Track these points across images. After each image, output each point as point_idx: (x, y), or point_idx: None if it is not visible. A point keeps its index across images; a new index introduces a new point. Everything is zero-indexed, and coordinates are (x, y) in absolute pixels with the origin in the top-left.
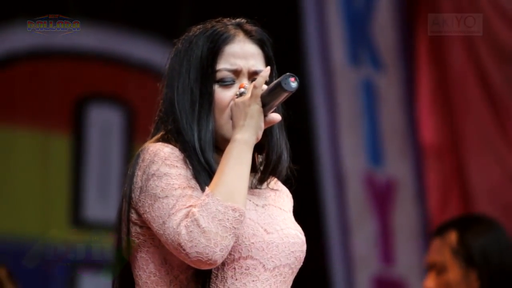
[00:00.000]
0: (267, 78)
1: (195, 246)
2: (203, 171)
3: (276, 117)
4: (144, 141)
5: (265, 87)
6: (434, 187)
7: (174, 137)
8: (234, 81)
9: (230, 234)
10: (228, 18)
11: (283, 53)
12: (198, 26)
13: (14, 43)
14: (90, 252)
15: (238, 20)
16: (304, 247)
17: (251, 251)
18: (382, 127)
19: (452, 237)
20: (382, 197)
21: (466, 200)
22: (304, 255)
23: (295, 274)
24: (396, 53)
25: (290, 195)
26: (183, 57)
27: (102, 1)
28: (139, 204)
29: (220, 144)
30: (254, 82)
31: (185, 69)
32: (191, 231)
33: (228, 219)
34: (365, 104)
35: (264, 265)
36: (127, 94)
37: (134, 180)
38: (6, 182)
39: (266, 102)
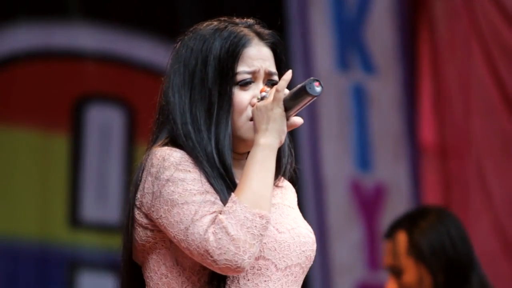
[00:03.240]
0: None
1: (224, 253)
2: (218, 177)
3: (298, 120)
4: (144, 142)
5: (287, 91)
6: (433, 190)
7: (182, 141)
8: (252, 82)
9: (257, 241)
10: (236, 18)
11: None
12: (207, 24)
13: (14, 43)
14: (88, 252)
15: (248, 21)
16: (315, 246)
17: (264, 251)
18: (372, 131)
19: (402, 238)
20: (369, 202)
21: (485, 202)
22: (314, 254)
23: (305, 273)
24: (392, 56)
25: (293, 190)
26: (197, 57)
27: (102, 1)
28: (152, 209)
29: (235, 146)
30: (276, 86)
31: (199, 69)
32: (219, 238)
33: (256, 226)
34: (354, 108)
35: (276, 265)
36: (127, 94)
37: (146, 185)
38: (5, 182)
39: (288, 106)
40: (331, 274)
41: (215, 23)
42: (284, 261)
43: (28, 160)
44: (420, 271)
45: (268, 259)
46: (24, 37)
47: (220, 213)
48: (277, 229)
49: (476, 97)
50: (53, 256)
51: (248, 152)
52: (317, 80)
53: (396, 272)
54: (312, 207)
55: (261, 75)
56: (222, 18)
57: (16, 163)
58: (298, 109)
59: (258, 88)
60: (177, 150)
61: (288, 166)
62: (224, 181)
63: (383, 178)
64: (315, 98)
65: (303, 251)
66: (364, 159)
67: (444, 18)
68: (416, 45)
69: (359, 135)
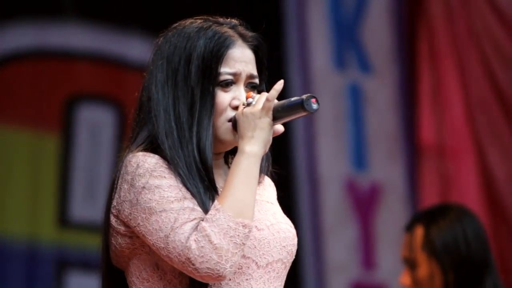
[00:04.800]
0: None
1: (206, 262)
2: (195, 178)
3: (280, 128)
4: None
5: (275, 100)
6: (430, 190)
7: (161, 140)
8: (233, 84)
9: (239, 250)
10: (220, 17)
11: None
12: (191, 22)
13: (7, 43)
14: (77, 252)
15: (231, 21)
16: (296, 241)
17: (243, 249)
18: (368, 131)
19: (419, 232)
20: (364, 201)
21: (491, 198)
22: (296, 249)
23: (288, 268)
24: (389, 55)
25: (272, 184)
26: (181, 54)
27: (96, 1)
28: (130, 218)
29: (213, 146)
30: (267, 95)
31: (182, 67)
32: (202, 247)
33: (238, 235)
34: (350, 108)
35: (256, 263)
36: (118, 94)
37: (122, 193)
38: None
39: (277, 116)
40: (325, 273)
41: (199, 21)
42: (265, 258)
43: (18, 159)
44: (432, 267)
45: (249, 257)
46: (17, 36)
47: (202, 220)
48: (256, 227)
49: (473, 97)
50: (42, 255)
51: (225, 153)
52: (314, 97)
53: (411, 265)
54: (306, 205)
55: (243, 78)
56: (206, 17)
57: (6, 162)
58: (286, 121)
59: (238, 89)
60: (151, 155)
61: (266, 169)
62: (202, 182)
63: (378, 178)
64: (309, 114)
65: (284, 246)
66: (359, 158)
67: (442, 18)
68: (413, 45)
69: (355, 135)
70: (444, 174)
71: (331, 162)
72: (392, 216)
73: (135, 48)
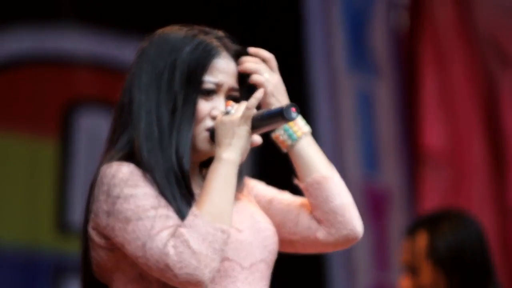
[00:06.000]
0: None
1: (185, 267)
2: (172, 184)
3: (257, 139)
4: None
5: (254, 110)
6: (432, 196)
7: (140, 143)
8: (214, 94)
9: (218, 256)
10: (206, 27)
11: (286, 58)
12: (178, 28)
13: (3, 49)
14: (76, 258)
15: (217, 32)
16: (276, 238)
17: (227, 252)
18: (379, 134)
19: (423, 238)
20: (379, 204)
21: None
22: (277, 246)
23: (271, 267)
24: (391, 59)
25: (250, 183)
26: (166, 59)
27: (93, 5)
28: (108, 229)
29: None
30: (247, 104)
31: (167, 72)
32: (181, 252)
33: (217, 240)
34: (362, 111)
35: (240, 265)
36: (117, 100)
37: (98, 205)
38: None
39: (256, 125)
40: (352, 276)
41: (185, 29)
42: (248, 259)
43: (16, 165)
44: (437, 275)
45: (232, 260)
46: (16, 42)
47: (180, 227)
48: (237, 229)
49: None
50: (40, 261)
51: (201, 163)
52: (294, 106)
53: (412, 270)
54: None
55: (224, 89)
56: (192, 26)
57: (4, 168)
58: (264, 131)
59: (219, 100)
60: (126, 164)
61: (240, 180)
62: (179, 187)
63: (389, 181)
64: (287, 123)
65: (265, 246)
66: (372, 161)
67: (450, 21)
68: (415, 49)
69: (367, 137)
70: (450, 180)
71: (349, 164)
72: (398, 220)
73: (134, 53)
